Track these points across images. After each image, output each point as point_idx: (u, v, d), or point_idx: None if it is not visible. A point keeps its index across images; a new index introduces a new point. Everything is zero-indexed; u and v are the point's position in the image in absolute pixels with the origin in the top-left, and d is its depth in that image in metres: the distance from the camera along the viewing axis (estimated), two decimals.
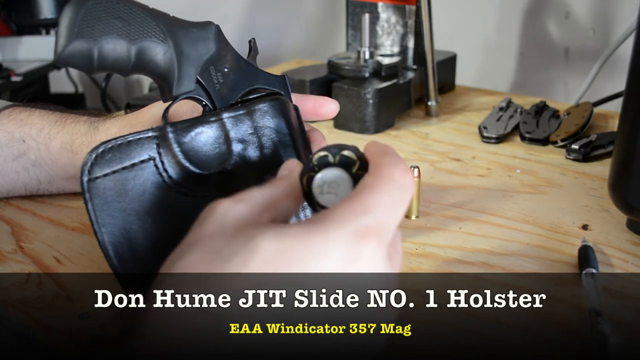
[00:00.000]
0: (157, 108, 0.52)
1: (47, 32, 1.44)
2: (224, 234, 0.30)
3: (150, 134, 0.43)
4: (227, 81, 0.45)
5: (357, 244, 0.29)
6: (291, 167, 0.36)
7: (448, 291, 0.44)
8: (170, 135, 0.43)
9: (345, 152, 0.35)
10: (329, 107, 0.50)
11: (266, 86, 0.47)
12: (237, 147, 0.44)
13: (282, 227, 0.29)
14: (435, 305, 0.43)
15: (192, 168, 0.43)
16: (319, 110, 0.50)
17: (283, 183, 0.35)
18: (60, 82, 1.63)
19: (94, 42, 0.40)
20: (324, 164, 0.35)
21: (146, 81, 1.58)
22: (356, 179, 0.35)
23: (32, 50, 1.39)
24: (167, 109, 0.44)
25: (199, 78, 0.44)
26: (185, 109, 0.50)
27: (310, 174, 0.35)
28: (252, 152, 0.45)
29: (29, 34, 1.40)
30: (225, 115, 0.44)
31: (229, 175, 0.44)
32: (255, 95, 0.47)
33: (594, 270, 0.44)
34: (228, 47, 0.46)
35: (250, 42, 0.48)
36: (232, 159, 0.44)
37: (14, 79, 1.27)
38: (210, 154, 0.44)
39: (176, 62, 0.43)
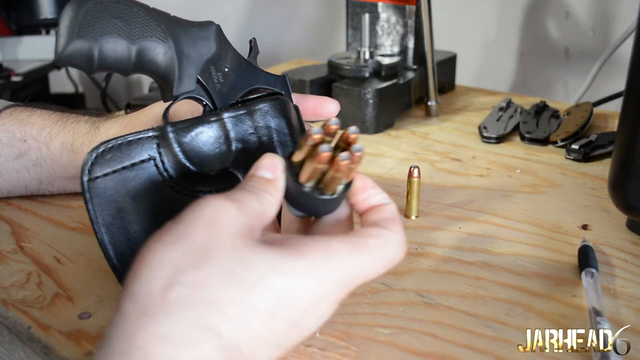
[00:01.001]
0: (157, 108, 0.52)
1: (47, 32, 1.44)
2: (235, 251, 0.31)
3: (150, 133, 0.43)
4: (227, 81, 0.45)
5: (340, 293, 0.34)
6: (274, 166, 0.36)
7: (448, 291, 0.44)
8: (171, 135, 0.43)
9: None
10: (330, 107, 0.50)
11: (267, 86, 0.47)
12: (237, 147, 0.44)
13: (289, 263, 0.31)
14: (435, 305, 0.43)
15: (192, 168, 0.43)
16: (319, 110, 0.50)
17: (274, 191, 0.35)
18: (60, 82, 1.63)
19: (95, 41, 0.40)
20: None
21: (146, 81, 1.58)
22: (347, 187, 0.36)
23: (32, 50, 1.39)
24: (167, 109, 0.44)
25: (200, 78, 0.44)
26: (186, 108, 0.50)
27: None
28: (253, 152, 0.45)
29: (29, 34, 1.40)
30: (225, 115, 0.44)
31: (229, 175, 0.44)
32: (255, 95, 0.46)
33: (594, 270, 0.44)
34: (228, 47, 0.46)
35: (250, 41, 0.48)
36: (232, 159, 0.44)
37: (14, 79, 1.28)
38: (211, 153, 0.44)
39: (177, 62, 0.43)
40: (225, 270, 0.30)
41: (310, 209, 0.37)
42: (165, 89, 0.44)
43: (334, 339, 0.39)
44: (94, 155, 0.41)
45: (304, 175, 0.35)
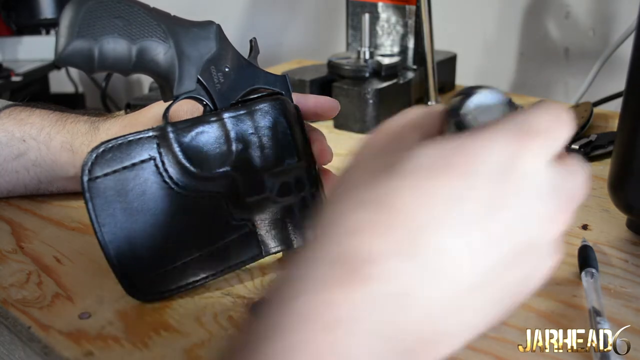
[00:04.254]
0: (158, 108, 0.52)
1: (47, 32, 1.44)
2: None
3: (150, 133, 0.43)
4: (227, 81, 0.45)
5: (519, 144, 0.27)
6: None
7: None
8: (171, 135, 0.43)
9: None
10: (330, 106, 0.50)
11: (267, 86, 0.47)
12: (237, 147, 0.44)
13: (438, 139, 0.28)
14: None
15: (192, 168, 0.43)
16: (319, 109, 0.50)
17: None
18: (60, 82, 1.63)
19: (95, 41, 0.40)
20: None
21: (146, 81, 1.58)
22: (513, 108, 0.31)
23: (32, 50, 1.39)
24: (167, 109, 0.44)
25: (200, 78, 0.44)
26: (186, 108, 0.50)
27: (461, 97, 0.30)
28: (253, 152, 0.45)
29: (29, 34, 1.40)
30: (225, 115, 0.44)
31: (229, 175, 0.44)
32: (256, 95, 0.46)
33: (594, 270, 0.44)
34: (229, 47, 0.46)
35: (251, 41, 0.48)
36: (232, 159, 0.44)
37: (14, 79, 1.28)
38: (211, 153, 0.44)
39: (177, 62, 0.43)
40: None
41: None
42: (166, 88, 0.44)
43: None
44: (94, 155, 0.41)
45: None
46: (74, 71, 1.60)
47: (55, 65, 1.39)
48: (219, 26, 0.45)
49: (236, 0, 1.45)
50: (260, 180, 0.45)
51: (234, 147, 0.44)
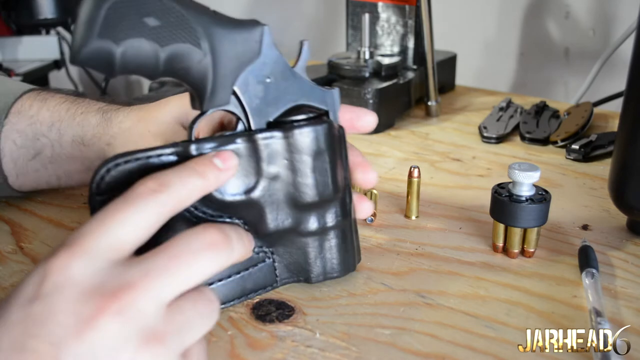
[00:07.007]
0: (175, 104, 0.50)
1: (47, 32, 1.44)
2: None
3: (171, 150, 0.37)
4: (267, 94, 0.40)
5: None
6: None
7: (448, 291, 0.44)
8: (194, 154, 0.38)
9: None
10: (367, 119, 0.46)
11: (312, 102, 0.42)
12: (267, 174, 0.40)
13: None
14: (436, 306, 0.43)
15: (214, 193, 0.38)
16: (356, 123, 0.46)
17: None
18: (61, 82, 1.63)
19: (116, 44, 0.34)
20: None
21: (146, 81, 1.58)
22: None
23: (32, 50, 1.39)
24: (193, 122, 0.39)
25: (236, 90, 0.39)
26: (213, 115, 0.46)
27: None
28: (283, 181, 0.40)
29: (29, 34, 1.40)
30: (259, 136, 0.39)
31: (253, 203, 0.40)
32: (298, 117, 0.41)
33: (594, 271, 0.44)
34: (274, 54, 0.40)
35: (300, 44, 0.42)
36: (259, 186, 0.40)
37: (14, 79, 1.27)
38: (237, 178, 0.39)
39: (211, 73, 0.37)
40: None
41: None
42: (196, 98, 0.39)
43: (334, 340, 0.39)
44: (105, 169, 0.37)
45: None
46: (74, 71, 1.60)
47: (57, 65, 1.39)
48: (266, 28, 0.40)
49: (236, 0, 1.45)
50: (287, 212, 0.41)
51: (263, 173, 0.40)
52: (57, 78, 1.60)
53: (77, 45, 0.34)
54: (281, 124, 0.40)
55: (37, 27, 1.41)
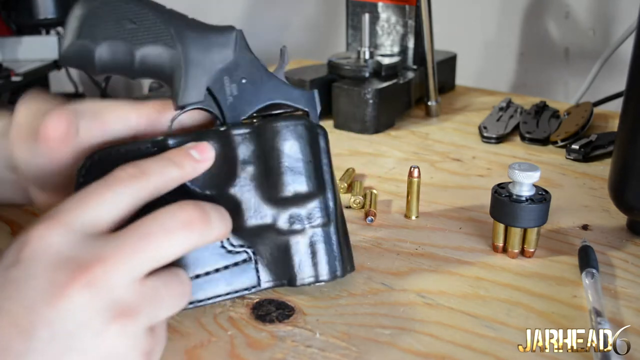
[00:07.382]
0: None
1: (47, 32, 1.43)
2: None
3: (150, 144, 0.40)
4: (242, 93, 0.42)
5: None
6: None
7: (448, 291, 0.44)
8: (173, 147, 0.40)
9: None
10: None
11: (289, 102, 0.43)
12: (242, 168, 0.41)
13: None
14: (436, 306, 0.43)
15: (192, 187, 0.40)
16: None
17: None
18: (61, 82, 1.63)
19: (95, 43, 0.39)
20: None
21: (146, 81, 1.58)
22: None
23: (32, 50, 1.38)
24: (172, 119, 0.42)
25: (210, 88, 0.41)
26: (193, 117, 0.45)
27: None
28: (259, 176, 0.41)
29: (29, 34, 1.40)
30: (233, 131, 0.41)
31: (230, 198, 0.41)
32: (272, 112, 0.43)
33: (594, 271, 0.44)
34: (248, 56, 0.42)
35: (281, 50, 0.44)
36: (236, 180, 0.41)
37: (14, 79, 1.27)
38: (214, 173, 0.40)
39: (183, 70, 0.40)
40: None
41: None
42: (173, 96, 0.42)
43: (334, 340, 0.39)
44: (89, 164, 0.39)
45: None
46: (74, 71, 1.60)
47: (57, 65, 1.39)
48: (239, 32, 0.42)
49: (236, 1, 1.45)
50: (265, 207, 0.41)
51: (239, 167, 0.41)
52: (57, 78, 1.59)
53: (64, 46, 0.38)
54: (256, 119, 0.42)
55: (37, 27, 1.41)
